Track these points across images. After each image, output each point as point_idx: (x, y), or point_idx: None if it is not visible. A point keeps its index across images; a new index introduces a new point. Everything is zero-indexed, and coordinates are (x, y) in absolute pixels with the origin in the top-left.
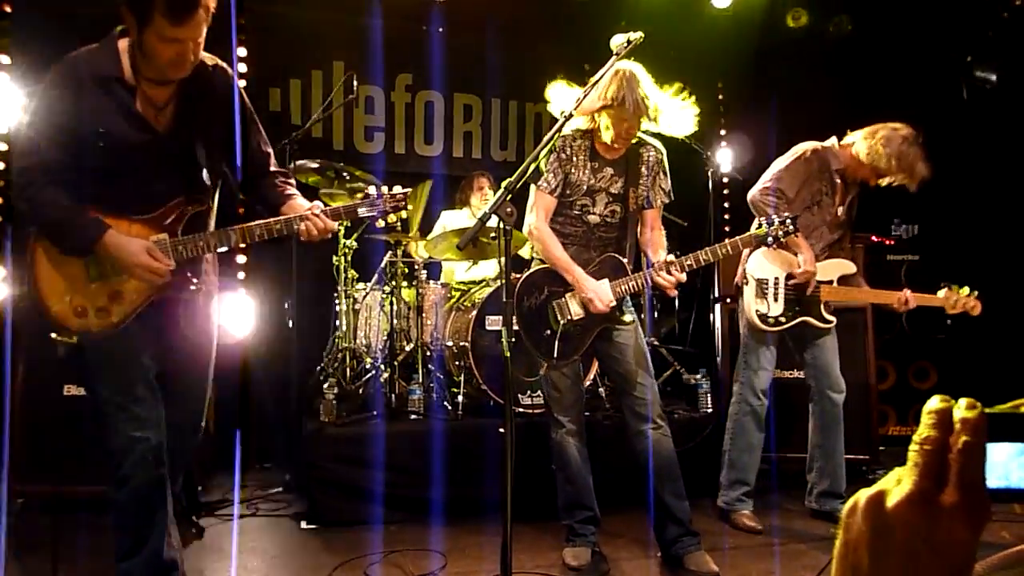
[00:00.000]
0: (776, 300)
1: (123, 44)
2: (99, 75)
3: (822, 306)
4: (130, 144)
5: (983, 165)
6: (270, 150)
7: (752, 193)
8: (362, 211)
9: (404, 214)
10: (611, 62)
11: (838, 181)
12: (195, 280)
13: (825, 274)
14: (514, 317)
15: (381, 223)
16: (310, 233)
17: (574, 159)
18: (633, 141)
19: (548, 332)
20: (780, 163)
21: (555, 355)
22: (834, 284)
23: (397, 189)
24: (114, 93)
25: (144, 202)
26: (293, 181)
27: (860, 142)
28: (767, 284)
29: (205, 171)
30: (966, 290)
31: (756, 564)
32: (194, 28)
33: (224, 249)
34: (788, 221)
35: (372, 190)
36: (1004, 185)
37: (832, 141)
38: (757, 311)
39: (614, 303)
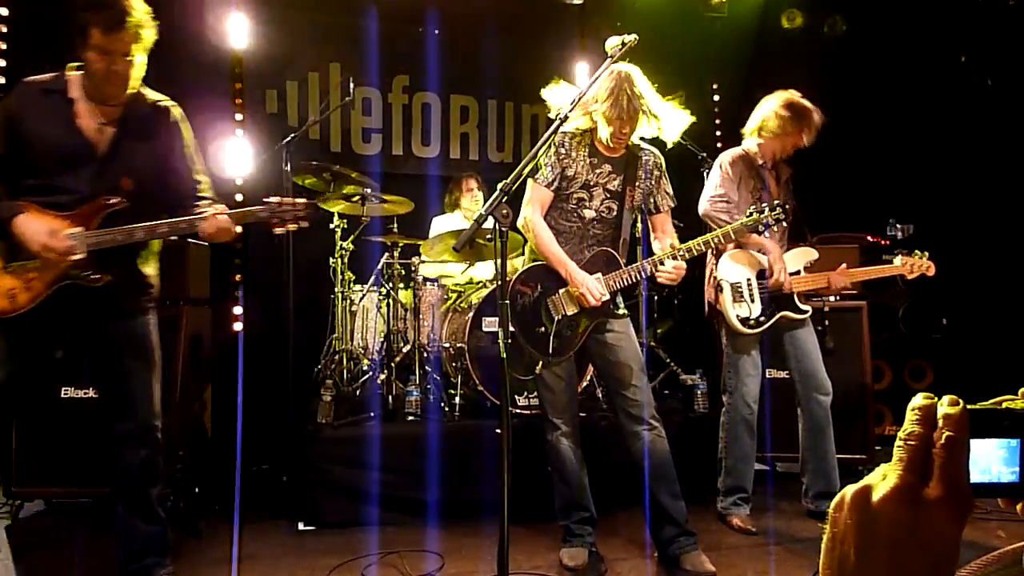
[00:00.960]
0: (753, 301)
1: (75, 74)
2: (46, 89)
3: (795, 297)
4: (62, 148)
5: (978, 165)
6: (204, 178)
7: (703, 208)
8: (262, 215)
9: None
10: (606, 64)
11: (766, 174)
12: (107, 275)
13: (791, 265)
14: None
15: (280, 230)
16: (209, 232)
17: (573, 154)
18: (630, 144)
19: (542, 330)
20: (713, 178)
21: (551, 352)
22: (802, 273)
23: (300, 200)
24: (56, 104)
25: (69, 198)
26: (219, 205)
27: (768, 124)
28: (741, 286)
29: (128, 178)
30: (917, 254)
31: (753, 564)
32: (123, 42)
33: (130, 242)
34: (778, 207)
35: (275, 199)
36: (999, 185)
37: (746, 144)
38: (738, 316)
39: (607, 297)
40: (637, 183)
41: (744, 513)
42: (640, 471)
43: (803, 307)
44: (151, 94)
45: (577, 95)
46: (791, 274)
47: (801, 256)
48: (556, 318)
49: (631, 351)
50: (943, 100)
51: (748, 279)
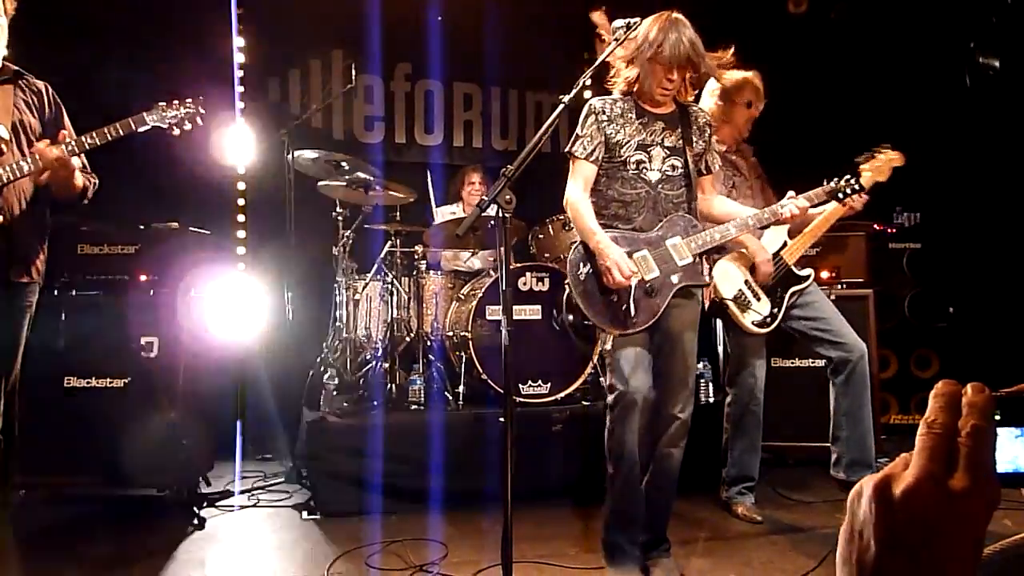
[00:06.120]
0: (760, 299)
1: None
2: None
3: (793, 268)
4: None
5: (986, 152)
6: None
7: None
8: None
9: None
10: (610, 48)
11: (733, 158)
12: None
13: (776, 241)
14: (570, 289)
15: (177, 132)
16: (45, 160)
17: (618, 119)
18: (679, 99)
19: (615, 296)
20: None
21: (632, 319)
22: (788, 244)
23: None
24: None
25: None
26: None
27: (716, 114)
28: (743, 294)
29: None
30: (877, 151)
31: (758, 553)
32: None
33: None
34: (851, 179)
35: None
36: (1006, 172)
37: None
38: (753, 323)
39: (636, 278)
40: (693, 139)
41: (749, 502)
42: (644, 469)
43: (802, 274)
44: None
45: (582, 79)
46: (779, 249)
47: (781, 228)
48: (633, 282)
49: (688, 349)
50: (951, 87)
51: (745, 280)
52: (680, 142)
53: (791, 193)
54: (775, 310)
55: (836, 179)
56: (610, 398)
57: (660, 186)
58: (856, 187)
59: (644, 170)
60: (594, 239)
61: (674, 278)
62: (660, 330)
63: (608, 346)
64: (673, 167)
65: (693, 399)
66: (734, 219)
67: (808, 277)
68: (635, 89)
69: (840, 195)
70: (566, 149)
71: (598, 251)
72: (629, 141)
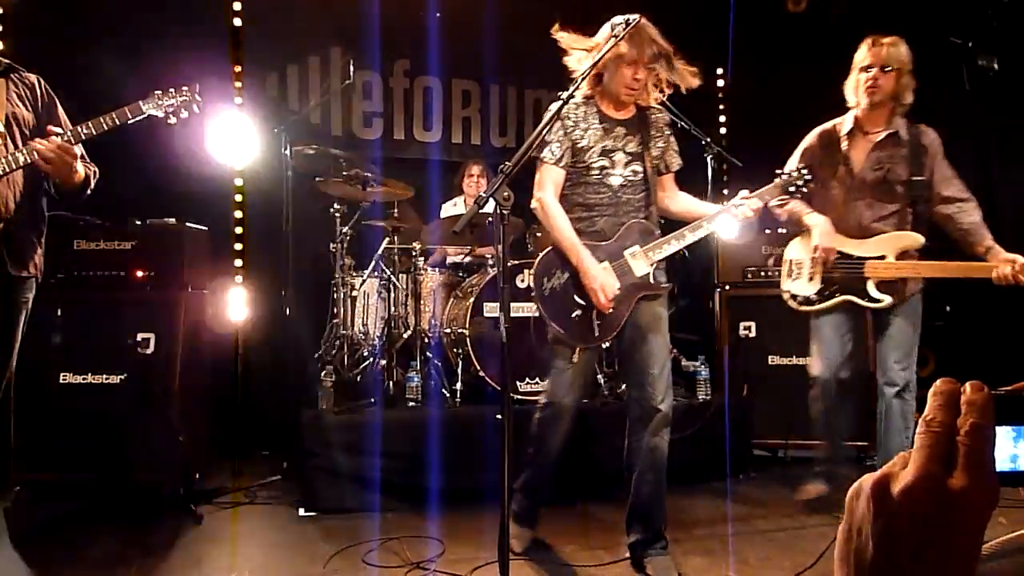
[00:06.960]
0: (812, 280)
1: None
2: None
3: (870, 284)
4: None
5: (985, 152)
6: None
7: None
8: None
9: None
10: (611, 44)
11: (856, 141)
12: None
13: (876, 249)
14: (536, 302)
15: (174, 120)
16: (45, 158)
17: (582, 123)
18: (639, 103)
19: (579, 312)
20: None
21: (594, 334)
22: (885, 259)
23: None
24: None
25: None
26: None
27: (849, 90)
28: (801, 263)
29: None
30: None
31: (754, 550)
32: None
33: None
34: (804, 170)
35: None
36: (1005, 172)
37: (851, 112)
38: (788, 290)
39: (619, 292)
40: (652, 142)
41: (820, 485)
42: (631, 468)
43: (878, 296)
44: (32, 76)
45: (580, 76)
46: (869, 257)
47: (894, 241)
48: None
49: (661, 340)
50: (949, 87)
51: (812, 258)
52: (640, 147)
53: (744, 192)
54: (813, 297)
55: (787, 173)
56: (543, 399)
57: (622, 191)
58: (808, 178)
59: (607, 175)
60: (576, 255)
61: (633, 289)
62: (630, 326)
63: (575, 359)
64: (635, 172)
65: (672, 391)
66: (693, 221)
67: (879, 303)
68: (598, 92)
69: (791, 188)
70: (534, 154)
71: (580, 269)
72: (593, 147)
